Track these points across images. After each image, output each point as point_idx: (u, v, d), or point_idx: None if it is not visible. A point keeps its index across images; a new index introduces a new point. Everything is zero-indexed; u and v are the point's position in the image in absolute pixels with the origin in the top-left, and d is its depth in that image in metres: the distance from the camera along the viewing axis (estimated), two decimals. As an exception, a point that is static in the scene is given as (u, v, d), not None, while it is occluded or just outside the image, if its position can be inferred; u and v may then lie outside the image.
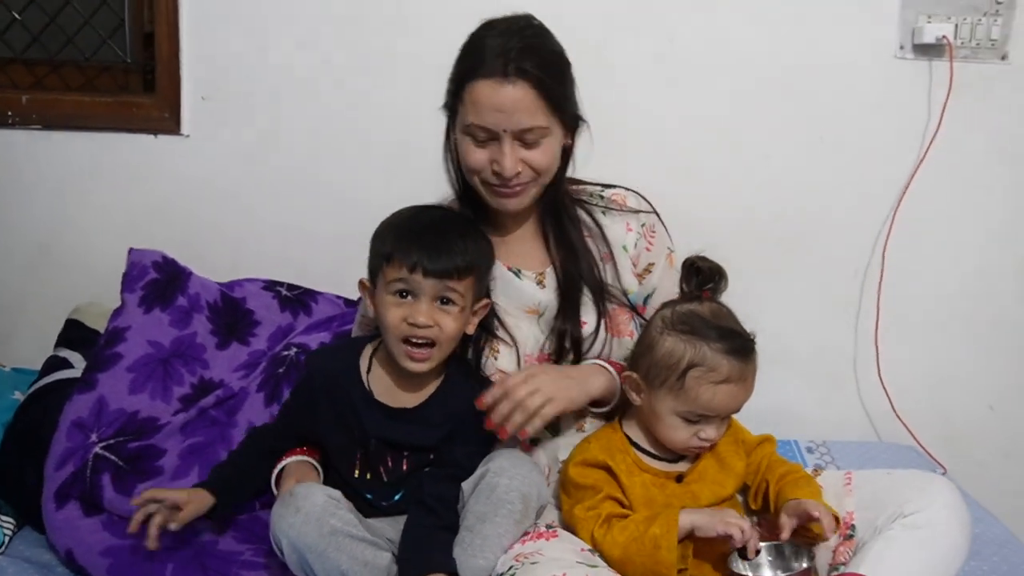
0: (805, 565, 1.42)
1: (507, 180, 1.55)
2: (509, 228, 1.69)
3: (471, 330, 1.58)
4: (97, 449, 1.67)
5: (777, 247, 2.31)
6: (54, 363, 1.91)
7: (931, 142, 2.21)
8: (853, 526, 1.49)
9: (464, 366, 1.62)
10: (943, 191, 2.26)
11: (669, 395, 1.48)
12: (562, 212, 1.67)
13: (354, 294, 2.10)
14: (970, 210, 2.29)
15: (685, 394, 1.47)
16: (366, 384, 1.58)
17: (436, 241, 1.49)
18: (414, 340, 1.50)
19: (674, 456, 1.55)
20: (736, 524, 1.40)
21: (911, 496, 1.45)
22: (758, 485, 1.55)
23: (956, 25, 2.19)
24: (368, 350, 1.61)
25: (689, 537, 1.43)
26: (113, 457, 1.67)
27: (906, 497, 1.45)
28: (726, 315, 1.52)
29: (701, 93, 2.24)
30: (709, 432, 1.49)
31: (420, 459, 1.55)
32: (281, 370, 1.84)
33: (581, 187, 1.74)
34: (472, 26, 1.58)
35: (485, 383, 1.56)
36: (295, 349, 1.89)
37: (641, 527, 1.42)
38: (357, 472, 1.56)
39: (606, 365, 1.63)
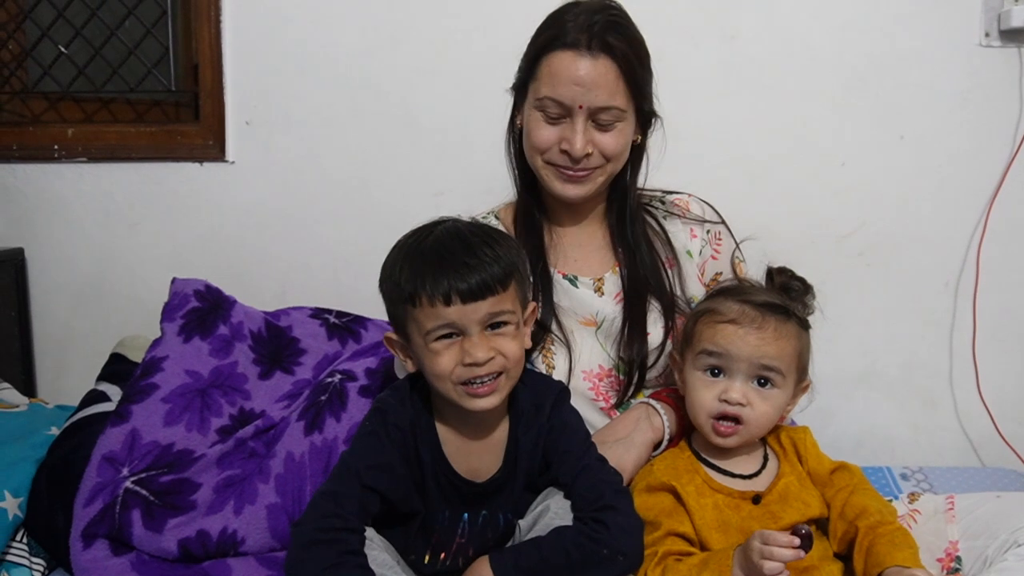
0: None
1: (575, 161, 1.45)
2: (567, 228, 1.57)
3: (528, 343, 1.36)
4: (128, 483, 1.57)
5: (859, 259, 2.19)
6: (92, 397, 1.84)
7: (1025, 136, 2.06)
8: (958, 558, 1.33)
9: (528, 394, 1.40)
10: (1041, 190, 2.09)
11: (689, 355, 1.39)
12: (627, 210, 1.57)
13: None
14: (1073, 209, 2.11)
15: (697, 341, 1.39)
16: (442, 448, 1.36)
17: (460, 256, 1.24)
18: (478, 381, 1.27)
19: (750, 472, 1.40)
20: (779, 553, 1.17)
21: (1027, 522, 1.27)
22: (844, 530, 1.34)
23: (1048, 7, 2.02)
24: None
25: None
26: (144, 492, 1.57)
27: (1020, 523, 1.27)
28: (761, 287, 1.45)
29: (767, 96, 2.15)
30: (733, 392, 1.34)
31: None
32: (323, 398, 1.73)
33: (640, 192, 1.64)
34: (520, 37, 1.52)
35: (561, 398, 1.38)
36: (339, 376, 1.78)
37: (693, 573, 1.26)
38: (428, 557, 1.39)
39: (650, 402, 1.50)
